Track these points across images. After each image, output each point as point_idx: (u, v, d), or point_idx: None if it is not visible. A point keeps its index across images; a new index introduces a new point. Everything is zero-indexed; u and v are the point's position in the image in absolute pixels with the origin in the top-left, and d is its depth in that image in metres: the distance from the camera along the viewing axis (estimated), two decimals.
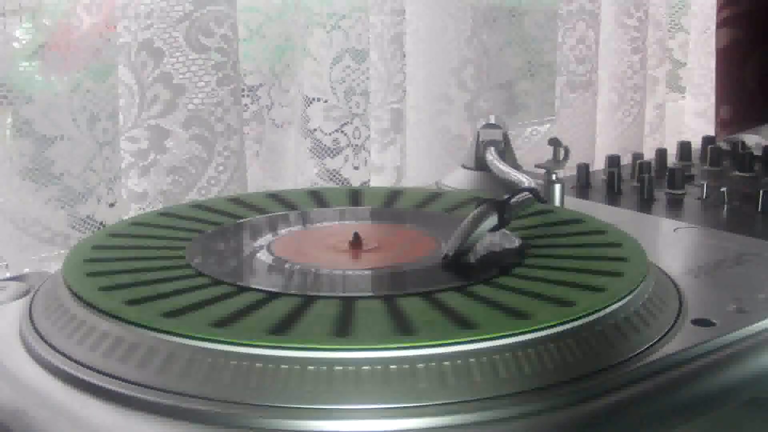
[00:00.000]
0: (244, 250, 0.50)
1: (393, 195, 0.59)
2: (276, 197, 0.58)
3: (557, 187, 0.61)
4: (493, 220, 0.47)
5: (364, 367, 0.35)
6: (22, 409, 0.36)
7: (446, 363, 0.35)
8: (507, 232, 0.50)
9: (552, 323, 0.37)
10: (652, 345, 0.39)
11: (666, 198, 0.72)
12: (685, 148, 0.85)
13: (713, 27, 1.11)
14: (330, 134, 0.77)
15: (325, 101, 0.76)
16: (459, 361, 0.35)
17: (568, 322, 0.38)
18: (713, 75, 1.12)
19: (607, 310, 0.39)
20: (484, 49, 0.87)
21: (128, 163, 0.67)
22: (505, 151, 0.66)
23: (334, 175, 0.78)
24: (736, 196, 0.71)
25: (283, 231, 0.52)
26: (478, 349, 0.35)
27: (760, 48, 1.10)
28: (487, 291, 0.42)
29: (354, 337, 0.36)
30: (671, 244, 0.57)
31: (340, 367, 0.34)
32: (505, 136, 0.67)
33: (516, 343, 0.36)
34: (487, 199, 0.48)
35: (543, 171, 0.62)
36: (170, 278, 0.43)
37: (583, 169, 0.77)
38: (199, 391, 0.34)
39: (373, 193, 0.61)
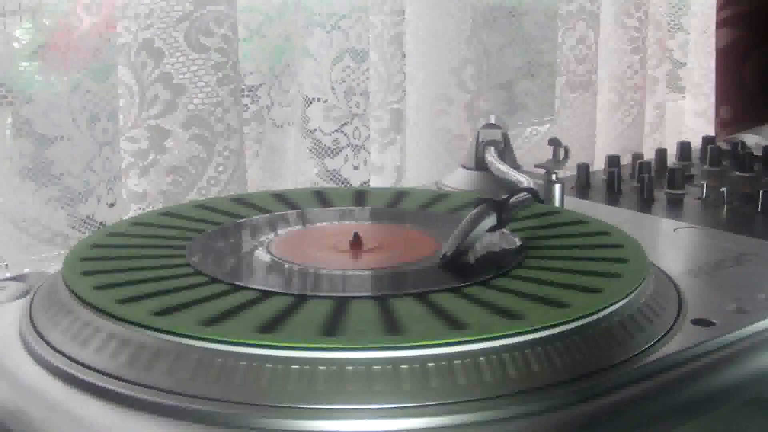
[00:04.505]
0: (242, 249, 0.50)
1: (397, 196, 0.59)
2: (280, 197, 0.58)
3: (557, 187, 0.61)
4: (491, 219, 0.47)
5: (362, 368, 0.35)
6: (22, 409, 0.36)
7: (443, 363, 0.35)
8: (506, 231, 0.50)
9: (549, 324, 0.37)
10: (652, 345, 0.39)
11: (666, 198, 0.72)
12: (685, 148, 0.85)
13: (713, 27, 1.11)
14: (330, 134, 0.77)
15: (325, 101, 0.76)
16: (456, 362, 0.35)
17: (565, 323, 0.38)
18: (713, 75, 1.12)
19: (606, 310, 0.39)
20: (484, 49, 0.87)
21: (128, 163, 0.67)
22: (505, 151, 0.66)
23: (334, 175, 0.78)
24: (736, 196, 0.71)
25: (283, 231, 0.52)
26: (475, 350, 0.36)
27: (760, 48, 1.10)
28: (484, 292, 0.42)
29: (349, 336, 0.36)
30: (671, 244, 0.57)
31: (336, 368, 0.35)
32: (505, 136, 0.67)
33: (515, 343, 0.36)
34: (486, 198, 0.48)
35: (543, 171, 0.62)
36: (167, 277, 0.43)
37: (583, 169, 0.77)
38: (199, 391, 0.34)
39: (377, 193, 0.61)
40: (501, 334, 0.36)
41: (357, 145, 0.78)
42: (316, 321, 0.38)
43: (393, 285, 0.45)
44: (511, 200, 0.48)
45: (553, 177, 0.62)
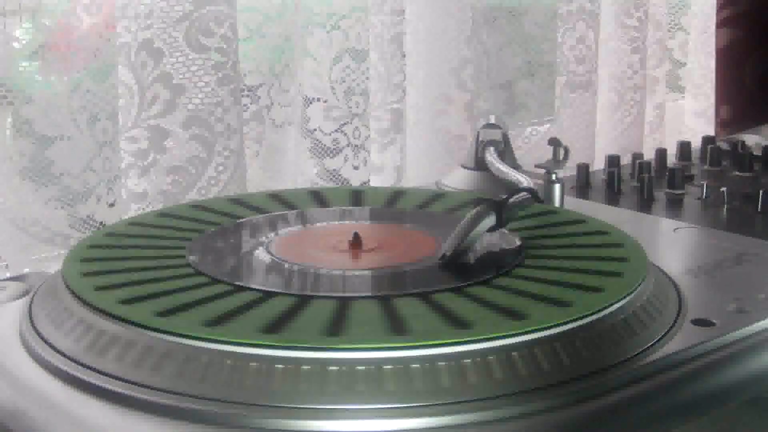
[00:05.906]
0: (243, 249, 0.50)
1: (394, 195, 0.59)
2: (277, 197, 0.58)
3: (557, 187, 0.61)
4: (491, 219, 0.47)
5: (361, 367, 0.35)
6: (22, 409, 0.36)
7: (442, 363, 0.35)
8: (506, 231, 0.50)
9: (548, 324, 0.37)
10: (652, 345, 0.39)
11: (666, 198, 0.72)
12: (685, 148, 0.85)
13: (713, 27, 1.11)
14: (330, 134, 0.77)
15: (325, 101, 0.76)
16: (457, 362, 0.35)
17: (565, 323, 0.38)
18: (713, 75, 1.12)
19: (606, 310, 0.39)
20: (484, 49, 0.87)
21: (128, 163, 0.67)
22: (505, 151, 0.66)
23: (334, 175, 0.78)
24: (736, 196, 0.71)
25: (282, 231, 0.52)
26: (475, 350, 0.36)
27: (760, 48, 1.10)
28: (484, 291, 0.42)
29: (349, 336, 0.36)
30: (671, 244, 0.57)
31: (336, 367, 0.35)
32: (505, 136, 0.67)
33: (514, 343, 0.36)
34: (485, 198, 0.48)
35: (543, 171, 0.62)
36: (167, 277, 0.43)
37: (583, 169, 0.77)
38: (199, 391, 0.34)
39: (374, 193, 0.61)
40: (500, 334, 0.36)
41: (357, 145, 0.78)
42: (320, 321, 0.38)
43: (393, 285, 0.45)
44: (510, 200, 0.48)
45: (553, 177, 0.62)
